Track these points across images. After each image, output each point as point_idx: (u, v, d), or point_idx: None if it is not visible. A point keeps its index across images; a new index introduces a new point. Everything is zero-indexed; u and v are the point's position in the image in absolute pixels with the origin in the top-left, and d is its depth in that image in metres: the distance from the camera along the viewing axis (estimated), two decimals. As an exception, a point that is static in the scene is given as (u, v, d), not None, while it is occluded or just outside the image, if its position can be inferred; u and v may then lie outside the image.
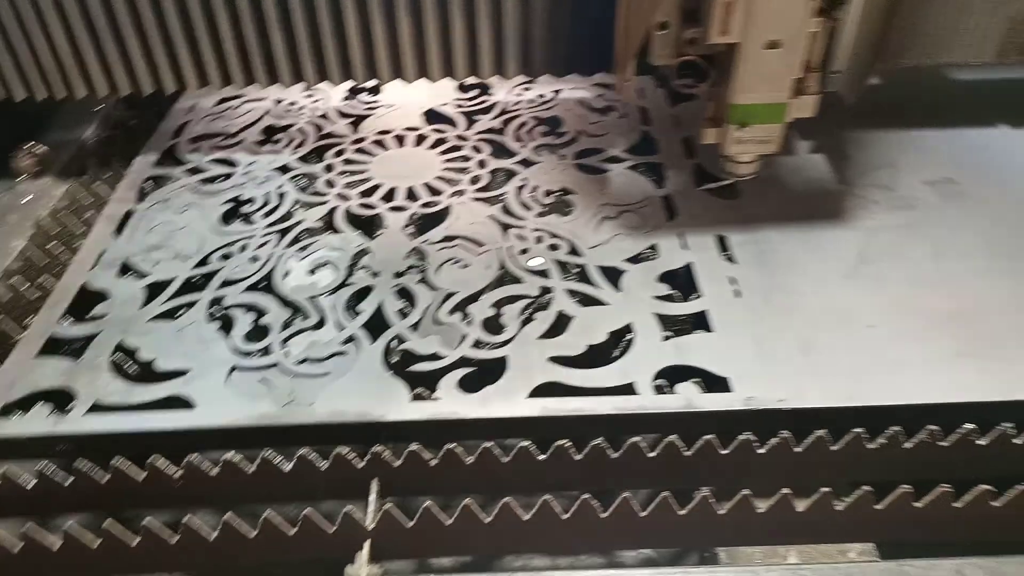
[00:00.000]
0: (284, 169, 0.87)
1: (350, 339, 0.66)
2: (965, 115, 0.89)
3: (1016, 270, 0.69)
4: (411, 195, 0.83)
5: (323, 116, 0.96)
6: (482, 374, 0.63)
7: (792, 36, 0.63)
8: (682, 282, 0.71)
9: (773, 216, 0.77)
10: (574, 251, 0.74)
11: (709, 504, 0.53)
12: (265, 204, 0.82)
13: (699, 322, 0.67)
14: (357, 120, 0.95)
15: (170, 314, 0.69)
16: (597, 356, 0.64)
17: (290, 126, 0.94)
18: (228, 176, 0.87)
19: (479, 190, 0.83)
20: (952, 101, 0.93)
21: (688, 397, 0.60)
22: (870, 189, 0.80)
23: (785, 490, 0.53)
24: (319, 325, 0.67)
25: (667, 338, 0.65)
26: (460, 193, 0.82)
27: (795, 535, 0.55)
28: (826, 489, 0.53)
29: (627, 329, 0.66)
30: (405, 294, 0.70)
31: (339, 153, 0.90)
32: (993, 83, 0.94)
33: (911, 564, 0.50)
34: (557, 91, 0.98)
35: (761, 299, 0.68)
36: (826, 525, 0.54)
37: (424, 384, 0.62)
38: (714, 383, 0.61)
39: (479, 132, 0.92)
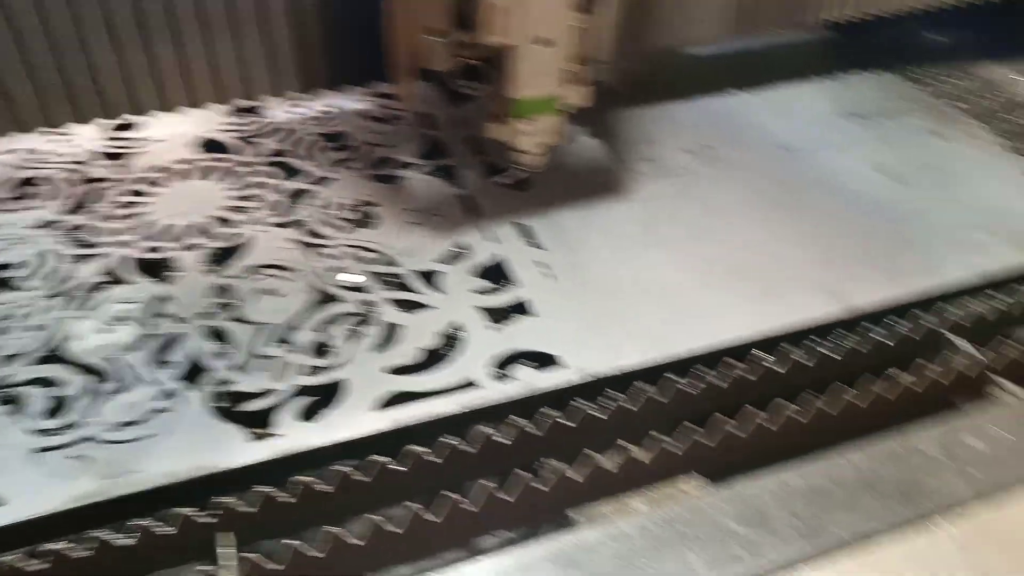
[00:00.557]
0: (48, 224, 0.79)
1: (170, 393, 0.61)
2: (709, 86, 1.01)
3: (776, 217, 0.79)
4: (203, 231, 0.78)
5: (81, 161, 0.88)
6: (321, 399, 0.61)
7: (558, 33, 0.68)
8: (497, 274, 0.74)
9: (565, 200, 0.82)
10: (388, 261, 0.74)
11: (562, 473, 0.56)
12: (31, 266, 0.74)
13: (521, 309, 0.70)
14: (123, 160, 0.88)
15: (-58, 406, 0.60)
16: (433, 359, 0.65)
17: (45, 177, 0.85)
18: (-21, 242, 0.77)
19: (276, 215, 0.80)
20: (697, 75, 1.04)
21: (527, 380, 0.62)
22: (639, 163, 0.88)
23: (623, 443, 0.58)
24: (129, 385, 0.62)
25: (495, 329, 0.67)
26: (257, 221, 0.79)
27: (638, 482, 0.60)
28: (654, 433, 0.58)
29: (456, 327, 0.67)
30: (219, 335, 0.67)
31: (109, 198, 0.82)
32: (729, 55, 1.07)
33: (740, 484, 0.56)
34: (336, 107, 0.97)
35: (571, 278, 0.72)
36: (664, 466, 0.59)
37: (261, 423, 0.60)
38: (547, 362, 0.64)
39: (263, 156, 0.89)
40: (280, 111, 0.96)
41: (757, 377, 0.64)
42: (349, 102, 0.97)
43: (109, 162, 0.88)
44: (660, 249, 0.75)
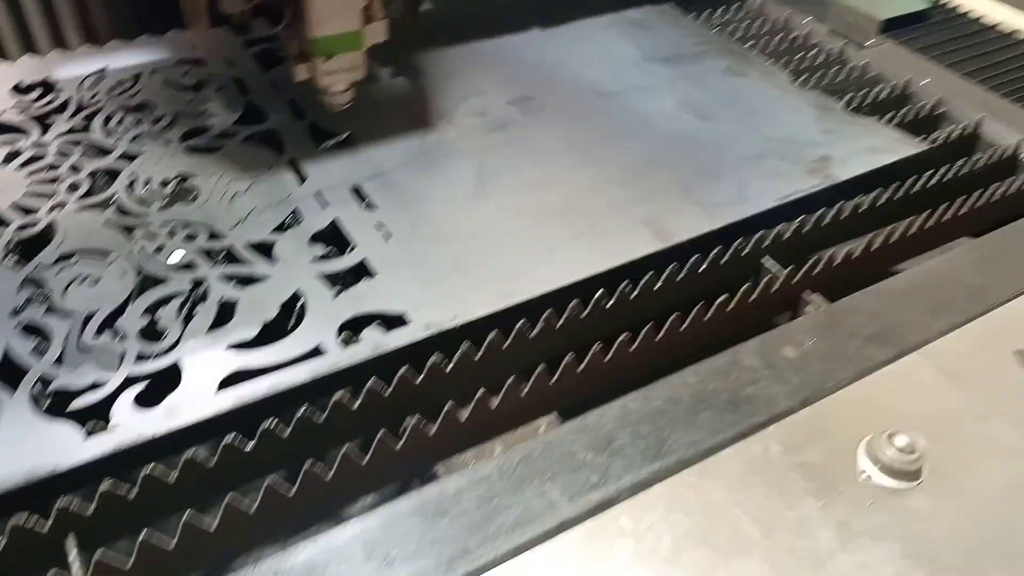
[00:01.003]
0: None
1: (-17, 398, 0.56)
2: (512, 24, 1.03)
3: (598, 160, 0.83)
4: (2, 221, 0.71)
5: None
6: (159, 385, 0.58)
7: None
8: (334, 239, 0.72)
9: (394, 158, 0.81)
10: (214, 235, 0.71)
11: (420, 430, 0.57)
12: None
13: (362, 271, 0.69)
14: None
15: None
16: (276, 331, 0.63)
17: None
18: None
19: (82, 197, 0.74)
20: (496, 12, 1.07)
21: (374, 341, 0.62)
22: (470, 117, 0.88)
23: (480, 392, 0.59)
24: (-69, 395, 0.56)
25: (337, 294, 0.66)
26: (61, 206, 0.73)
27: (496, 429, 0.62)
28: (510, 380, 0.60)
29: (296, 296, 0.66)
30: (34, 331, 0.61)
31: None
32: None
33: (588, 416, 0.59)
34: (137, 75, 0.90)
35: (409, 235, 0.72)
36: (517, 410, 0.62)
37: (95, 417, 0.56)
38: (394, 322, 0.64)
39: (60, 135, 0.81)
40: (72, 87, 0.88)
41: (594, 315, 0.67)
42: (151, 74, 0.90)
43: None
44: (493, 199, 0.77)
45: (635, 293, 0.68)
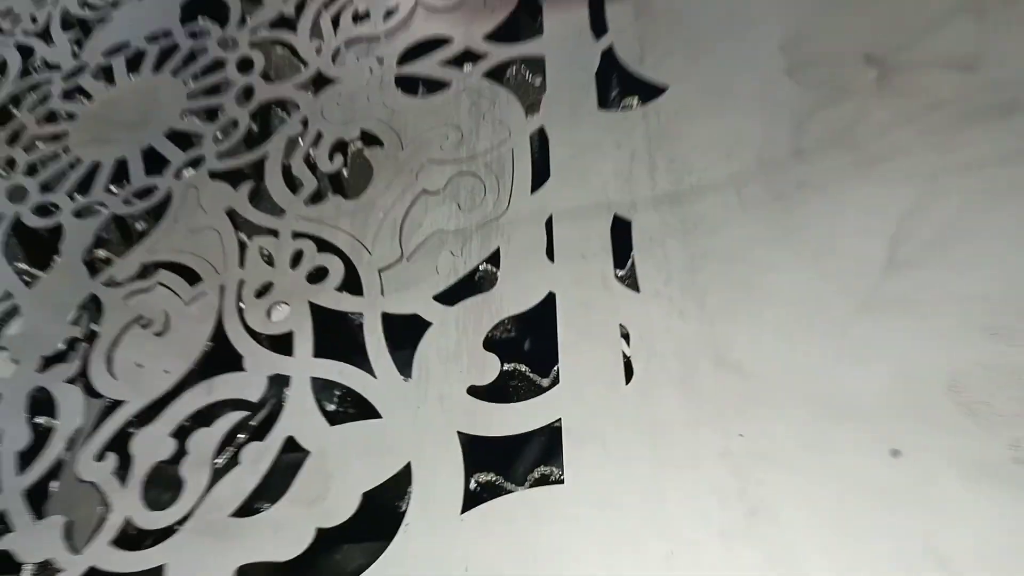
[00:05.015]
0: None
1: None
2: None
3: None
4: (119, 174, 0.49)
5: (42, 33, 0.61)
6: None
7: None
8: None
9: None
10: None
11: None
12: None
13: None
14: (85, 30, 0.60)
15: None
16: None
17: (-11, 57, 0.60)
18: None
19: (224, 155, 0.48)
20: None
21: None
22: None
23: None
24: None
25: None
26: (198, 163, 0.48)
27: None
28: None
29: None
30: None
31: (41, 101, 0.56)
32: None
33: None
34: None
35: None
36: None
37: None
38: None
39: (258, 26, 0.55)
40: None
41: None
42: None
43: (65, 35, 0.60)
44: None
45: None
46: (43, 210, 0.49)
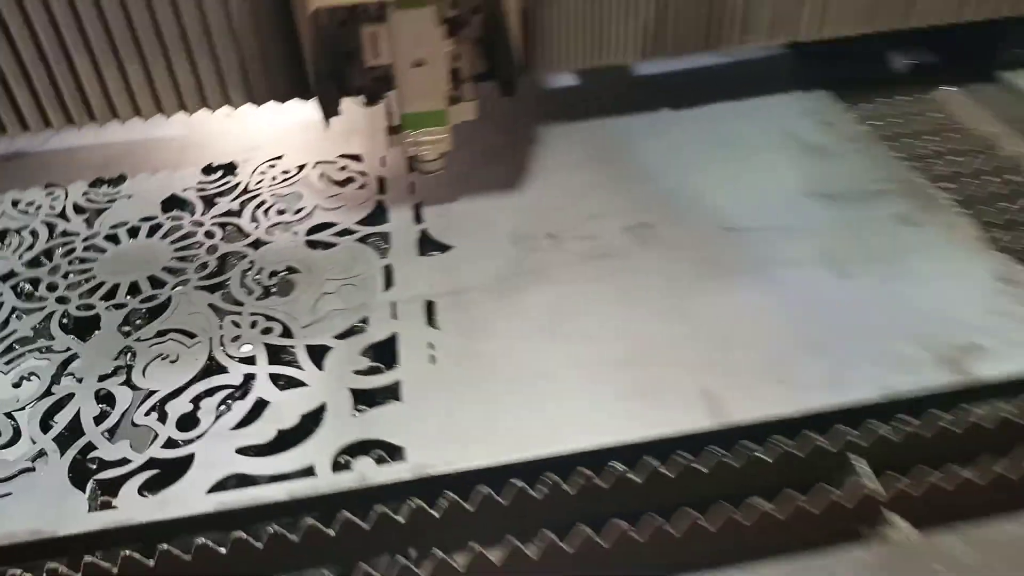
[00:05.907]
0: (8, 275, 0.86)
1: (41, 454, 0.66)
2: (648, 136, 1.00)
3: (688, 309, 0.75)
4: (133, 290, 0.83)
5: (59, 214, 0.95)
6: (170, 474, 0.63)
7: (432, 55, 0.77)
8: (386, 354, 0.74)
9: (482, 275, 0.81)
10: (287, 332, 0.76)
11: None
12: (-24, 316, 0.81)
13: (393, 393, 0.69)
14: (93, 215, 0.95)
15: None
16: (286, 440, 0.66)
17: (23, 227, 0.93)
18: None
19: (204, 278, 0.84)
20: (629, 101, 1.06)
21: (363, 472, 0.62)
22: (576, 240, 0.85)
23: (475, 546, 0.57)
24: (11, 442, 0.67)
25: (357, 413, 0.67)
26: (185, 283, 0.83)
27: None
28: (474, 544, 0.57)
29: (321, 408, 0.68)
30: (108, 398, 0.71)
31: (68, 252, 0.89)
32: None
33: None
34: (301, 167, 1.01)
35: (455, 364, 0.71)
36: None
37: (109, 491, 0.63)
38: (394, 453, 0.64)
39: (215, 216, 0.93)
40: (248, 171, 1.00)
41: (610, 486, 0.61)
42: (314, 165, 1.00)
43: (80, 216, 0.95)
44: (553, 341, 0.73)
45: (671, 471, 0.60)
46: (84, 307, 0.81)
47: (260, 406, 0.69)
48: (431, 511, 0.60)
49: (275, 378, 0.71)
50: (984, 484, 0.60)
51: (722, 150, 0.98)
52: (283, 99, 0.90)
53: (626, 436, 0.63)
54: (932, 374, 0.66)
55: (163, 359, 0.74)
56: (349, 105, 0.89)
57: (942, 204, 0.87)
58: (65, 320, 0.80)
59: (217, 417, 0.68)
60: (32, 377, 0.73)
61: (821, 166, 0.94)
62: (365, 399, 0.69)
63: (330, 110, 0.85)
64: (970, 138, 0.96)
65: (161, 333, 0.77)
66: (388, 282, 0.82)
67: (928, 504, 0.59)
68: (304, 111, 0.92)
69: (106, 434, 0.67)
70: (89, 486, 0.63)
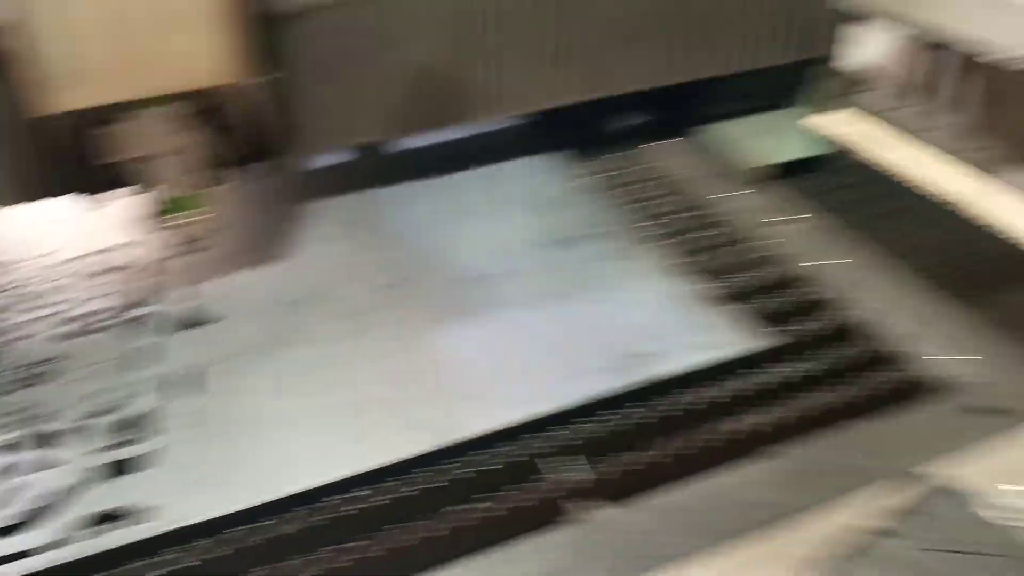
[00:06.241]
0: None
1: None
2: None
3: (417, 349, 0.85)
4: None
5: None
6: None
7: (179, 145, 0.87)
8: (145, 424, 0.79)
9: (246, 345, 0.88)
10: (40, 419, 0.79)
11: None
12: None
13: (149, 460, 0.74)
14: None
15: None
16: (37, 518, 0.69)
17: None
18: None
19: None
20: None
21: (116, 535, 0.67)
22: (331, 302, 0.94)
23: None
24: None
25: (109, 484, 0.72)
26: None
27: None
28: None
29: (70, 486, 0.72)
30: None
31: None
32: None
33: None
34: (71, 259, 1.04)
35: (219, 425, 0.77)
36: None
37: None
38: (148, 514, 0.69)
39: (-22, 314, 0.95)
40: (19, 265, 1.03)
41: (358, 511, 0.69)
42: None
43: None
44: (295, 395, 0.81)
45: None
46: None
47: (12, 490, 0.72)
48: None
49: (34, 462, 0.74)
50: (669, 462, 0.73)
51: (467, 212, 1.11)
52: (32, 199, 0.94)
53: (359, 466, 0.72)
54: (622, 377, 0.79)
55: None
56: (114, 194, 0.95)
57: (647, 239, 1.03)
58: None
59: (-27, 504, 0.70)
60: None
61: (552, 217, 1.09)
62: (123, 469, 0.74)
63: (85, 203, 0.91)
64: (667, 184, 1.14)
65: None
66: (157, 357, 0.86)
67: (624, 484, 0.71)
68: (69, 205, 0.97)
69: None
70: None
